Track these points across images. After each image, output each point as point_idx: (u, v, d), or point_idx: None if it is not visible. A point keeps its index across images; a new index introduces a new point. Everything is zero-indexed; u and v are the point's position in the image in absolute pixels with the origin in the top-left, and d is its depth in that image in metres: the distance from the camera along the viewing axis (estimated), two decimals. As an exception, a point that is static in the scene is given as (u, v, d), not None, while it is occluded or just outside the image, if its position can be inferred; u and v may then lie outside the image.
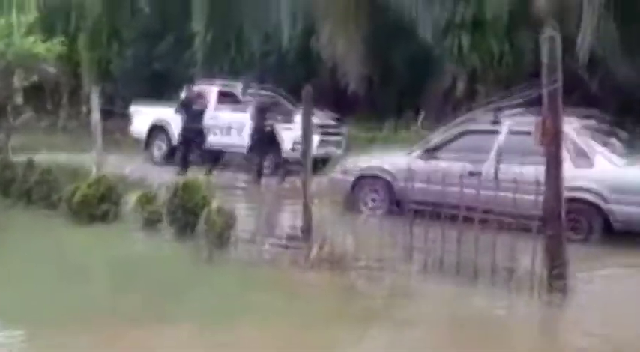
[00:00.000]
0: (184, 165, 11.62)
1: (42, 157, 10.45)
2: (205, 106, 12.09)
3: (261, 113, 11.07)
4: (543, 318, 4.71)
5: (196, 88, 12.55)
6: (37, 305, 4.52)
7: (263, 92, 12.52)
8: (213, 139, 12.46)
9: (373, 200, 7.99)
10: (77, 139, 15.08)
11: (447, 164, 6.70)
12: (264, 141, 11.02)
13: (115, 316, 4.29)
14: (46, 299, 4.65)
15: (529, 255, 4.94)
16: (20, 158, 9.49)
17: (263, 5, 15.81)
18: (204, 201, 6.42)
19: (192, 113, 11.79)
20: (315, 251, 5.53)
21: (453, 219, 5.36)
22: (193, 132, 11.78)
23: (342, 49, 16.13)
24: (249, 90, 12.61)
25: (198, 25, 16.48)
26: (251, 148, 11.12)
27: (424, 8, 15.67)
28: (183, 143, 12.01)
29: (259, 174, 10.88)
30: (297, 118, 6.51)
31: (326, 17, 16.49)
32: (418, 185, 5.89)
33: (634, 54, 14.36)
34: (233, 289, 5.05)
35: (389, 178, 7.72)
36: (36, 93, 19.99)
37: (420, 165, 7.18)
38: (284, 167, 11.34)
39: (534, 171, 5.15)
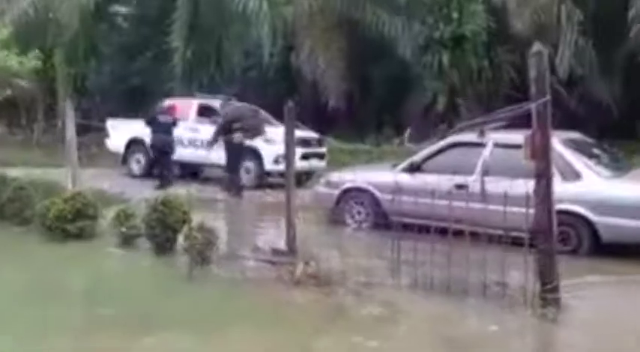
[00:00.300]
0: (161, 178, 11.49)
1: (16, 172, 10.09)
2: (174, 119, 11.97)
3: (229, 125, 10.81)
4: (539, 334, 4.56)
5: (167, 102, 12.42)
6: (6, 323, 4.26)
7: (238, 103, 12.35)
8: (194, 153, 12.25)
9: (359, 213, 7.85)
10: (52, 154, 14.73)
11: (434, 177, 6.57)
12: (235, 153, 10.81)
13: (89, 333, 4.06)
14: (15, 318, 4.38)
15: (520, 270, 4.81)
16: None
17: (243, 20, 15.71)
18: (185, 216, 6.19)
19: (161, 126, 11.78)
20: (300, 267, 5.33)
21: (442, 232, 5.21)
22: (160, 145, 11.79)
23: (322, 65, 16.11)
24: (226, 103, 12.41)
25: (177, 40, 16.28)
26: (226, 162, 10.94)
27: (404, 25, 15.77)
28: (154, 156, 12.09)
29: (235, 187, 10.64)
30: (279, 131, 6.34)
31: (306, 33, 16.48)
32: (405, 198, 5.74)
33: (611, 73, 14.59)
34: (213, 308, 4.80)
35: (375, 191, 7.57)
36: (10, 108, 19.61)
37: (406, 178, 7.09)
38: (266, 180, 11.17)
39: (523, 184, 5.07)
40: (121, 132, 13.53)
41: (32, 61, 10.85)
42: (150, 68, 19.16)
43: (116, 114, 14.73)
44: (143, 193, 10.07)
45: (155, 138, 11.83)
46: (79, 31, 17.86)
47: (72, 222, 6.88)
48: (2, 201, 7.81)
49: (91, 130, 16.83)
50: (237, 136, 10.70)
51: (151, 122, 11.91)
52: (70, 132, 8.53)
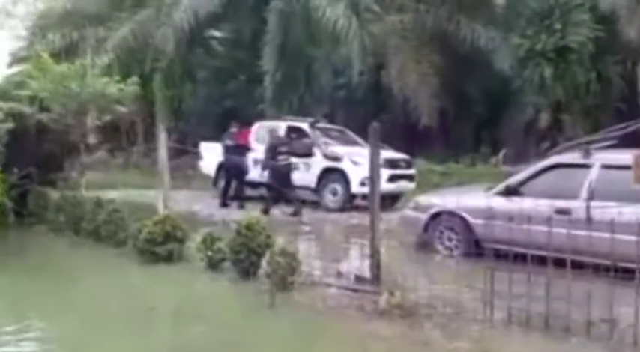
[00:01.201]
0: (237, 199, 12.27)
1: (114, 194, 10.72)
2: (244, 143, 12.66)
3: (275, 148, 11.55)
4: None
5: (233, 128, 12.93)
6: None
7: (328, 125, 12.61)
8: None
9: (449, 239, 7.58)
10: (150, 176, 15.51)
11: (532, 201, 6.20)
12: (280, 175, 11.35)
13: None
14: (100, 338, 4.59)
15: (631, 305, 4.40)
16: (94, 195, 9.76)
17: (332, 40, 15.88)
18: (268, 240, 6.23)
19: (231, 150, 12.49)
20: (385, 297, 5.17)
21: (541, 262, 4.88)
22: (232, 168, 12.48)
23: (413, 83, 15.91)
24: (315, 125, 12.66)
25: (268, 63, 16.73)
26: (268, 182, 11.73)
27: (501, 38, 15.26)
28: (226, 178, 12.74)
29: (294, 207, 11.12)
30: (367, 153, 6.27)
31: (396, 50, 16.37)
32: (500, 224, 5.43)
33: None
34: (293, 338, 4.75)
35: (467, 216, 7.27)
36: (112, 132, 20.98)
37: (501, 202, 6.77)
38: (354, 203, 11.15)
39: (634, 209, 4.63)
40: (212, 154, 14.02)
41: (131, 86, 11.47)
42: (243, 91, 19.82)
43: (210, 136, 15.30)
44: (231, 216, 10.39)
45: (226, 163, 12.62)
46: (176, 56, 18.87)
47: (161, 245, 7.14)
48: (98, 223, 8.31)
49: (187, 153, 17.65)
50: (282, 158, 11.42)
51: (226, 145, 12.68)
52: (162, 154, 8.88)
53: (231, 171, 12.57)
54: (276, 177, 11.44)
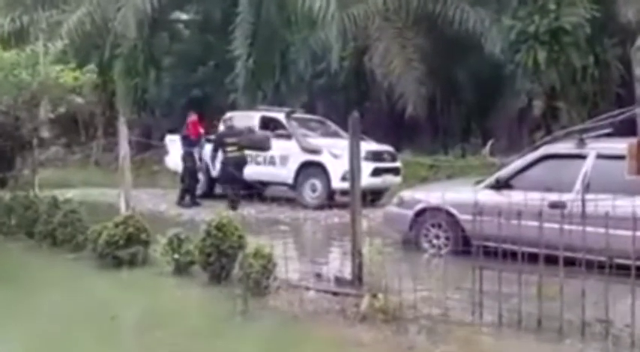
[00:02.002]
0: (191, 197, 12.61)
1: (71, 193, 10.63)
2: (190, 133, 12.87)
3: (221, 139, 12.14)
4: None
5: (191, 117, 13.11)
6: None
7: (307, 116, 12.70)
8: (257, 170, 12.49)
9: (436, 237, 7.70)
10: (111, 173, 15.40)
11: (524, 194, 6.30)
12: (228, 169, 11.95)
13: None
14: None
15: (627, 304, 4.51)
16: (49, 194, 9.67)
17: (309, 23, 15.88)
18: (240, 241, 6.25)
19: (184, 142, 12.86)
20: (367, 299, 5.22)
21: (532, 260, 4.97)
22: (184, 160, 12.76)
23: (398, 69, 15.97)
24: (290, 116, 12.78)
25: (240, 47, 16.69)
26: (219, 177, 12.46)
27: (492, 19, 15.38)
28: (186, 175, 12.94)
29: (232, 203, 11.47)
30: (343, 144, 6.33)
31: (380, 34, 16.42)
32: (489, 219, 5.51)
33: None
34: (269, 349, 4.78)
35: (455, 212, 7.36)
36: (69, 125, 20.76)
37: (491, 196, 6.88)
38: (334, 199, 11.24)
39: (630, 202, 4.72)
40: (179, 148, 13.98)
41: (88, 75, 11.37)
42: (212, 78, 19.78)
43: (177, 129, 15.26)
44: (200, 215, 10.38)
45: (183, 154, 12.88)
46: (138, 41, 18.73)
47: (123, 248, 7.12)
48: (54, 225, 8.24)
49: (151, 147, 17.57)
50: (231, 150, 11.90)
51: (183, 137, 13.01)
52: (124, 149, 8.85)
53: (185, 163, 12.76)
54: (225, 171, 11.88)
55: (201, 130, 13.11)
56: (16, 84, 10.34)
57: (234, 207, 11.15)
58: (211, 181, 13.28)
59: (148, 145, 17.81)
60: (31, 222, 8.81)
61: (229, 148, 11.94)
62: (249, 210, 11.49)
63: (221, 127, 13.09)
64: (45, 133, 10.96)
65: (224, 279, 6.29)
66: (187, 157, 12.71)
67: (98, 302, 5.99)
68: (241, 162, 12.04)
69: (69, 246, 7.99)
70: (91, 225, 7.75)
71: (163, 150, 15.06)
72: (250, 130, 12.56)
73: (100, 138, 21.07)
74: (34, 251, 8.27)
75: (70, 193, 10.97)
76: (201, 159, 12.94)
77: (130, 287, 6.54)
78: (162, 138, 15.41)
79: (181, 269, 6.70)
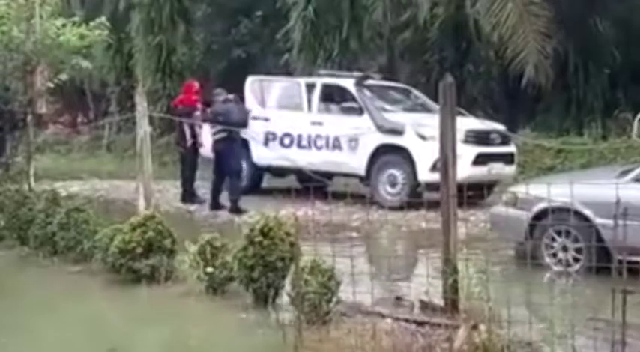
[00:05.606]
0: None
1: (76, 187, 10.96)
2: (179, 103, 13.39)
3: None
4: None
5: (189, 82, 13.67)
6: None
7: (385, 83, 13.09)
8: (316, 156, 12.54)
9: (563, 249, 7.66)
10: (127, 161, 15.81)
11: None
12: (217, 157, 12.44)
13: None
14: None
15: None
16: (47, 188, 9.96)
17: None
18: (293, 251, 6.28)
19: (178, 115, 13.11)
20: (463, 332, 5.20)
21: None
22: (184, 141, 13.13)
23: (513, 18, 15.68)
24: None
25: (295, -7, 16.83)
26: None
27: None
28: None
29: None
30: (435, 122, 6.27)
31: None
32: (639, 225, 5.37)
33: None
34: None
35: (590, 214, 7.30)
36: (73, 99, 21.37)
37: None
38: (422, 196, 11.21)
39: None
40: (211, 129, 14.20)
41: (98, 31, 11.65)
42: (259, 35, 19.97)
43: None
44: (242, 215, 10.55)
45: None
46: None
47: (142, 259, 7.31)
48: (53, 228, 8.49)
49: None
50: (216, 131, 12.29)
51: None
52: (143, 130, 9.05)
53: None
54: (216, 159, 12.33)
55: (195, 97, 13.37)
56: (5, 44, 10.69)
57: (237, 209, 11.36)
58: (256, 171, 13.41)
59: (176, 124, 18.13)
60: (24, 223, 9.13)
61: (214, 129, 12.36)
62: (306, 211, 11.55)
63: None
64: (43, 108, 11.28)
65: (272, 301, 6.37)
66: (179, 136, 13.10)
67: (107, 332, 6.14)
68: (227, 148, 12.25)
69: (72, 255, 8.26)
70: (101, 229, 7.97)
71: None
72: (226, 100, 12.81)
73: (113, 115, 21.62)
74: (28, 261, 8.58)
75: (75, 187, 11.37)
76: (195, 136, 13.04)
77: (150, 311, 6.71)
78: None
79: (216, 286, 6.83)
